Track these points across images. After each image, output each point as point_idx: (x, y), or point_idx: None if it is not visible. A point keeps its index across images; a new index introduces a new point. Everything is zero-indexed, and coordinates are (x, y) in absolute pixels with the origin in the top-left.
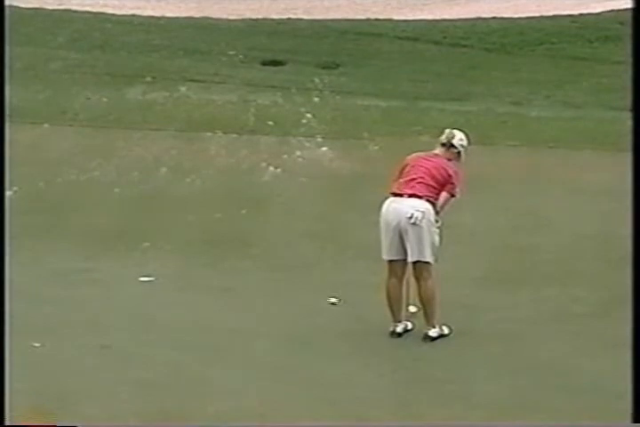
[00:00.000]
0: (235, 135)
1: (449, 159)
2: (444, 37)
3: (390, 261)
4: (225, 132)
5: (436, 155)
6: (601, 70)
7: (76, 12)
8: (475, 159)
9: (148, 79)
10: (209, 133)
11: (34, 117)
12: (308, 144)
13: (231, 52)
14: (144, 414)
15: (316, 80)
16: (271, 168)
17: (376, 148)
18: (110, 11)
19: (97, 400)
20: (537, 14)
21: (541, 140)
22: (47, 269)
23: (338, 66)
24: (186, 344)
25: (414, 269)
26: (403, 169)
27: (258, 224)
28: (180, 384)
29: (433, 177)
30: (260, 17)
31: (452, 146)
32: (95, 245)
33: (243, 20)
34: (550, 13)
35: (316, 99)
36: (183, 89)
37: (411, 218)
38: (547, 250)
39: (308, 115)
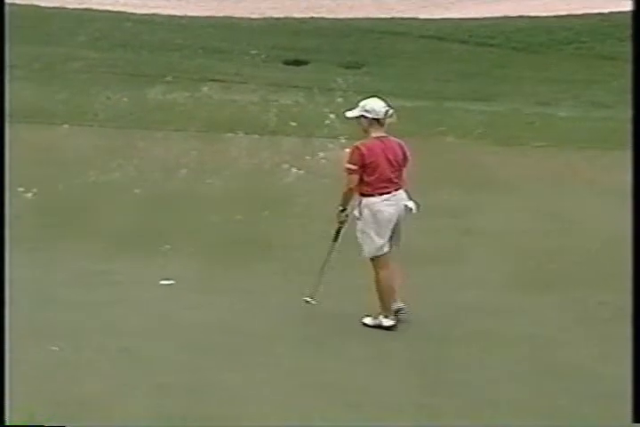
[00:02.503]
0: (256, 136)
1: (390, 135)
2: (470, 36)
3: (380, 256)
4: (246, 133)
5: (384, 137)
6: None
7: (96, 11)
8: (501, 160)
9: (169, 79)
10: (230, 134)
11: (53, 118)
12: (331, 145)
13: (253, 52)
14: (163, 418)
15: (339, 80)
16: (293, 169)
17: None
18: (131, 10)
19: (116, 405)
20: (566, 13)
21: (570, 140)
22: (66, 272)
23: (361, 65)
24: (206, 347)
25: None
26: (364, 161)
27: (279, 226)
28: (199, 388)
29: (397, 162)
30: (282, 16)
31: (384, 118)
32: (115, 247)
33: (265, 18)
34: (579, 12)
35: (339, 99)
36: (204, 89)
37: (408, 209)
38: (574, 253)
39: (331, 115)
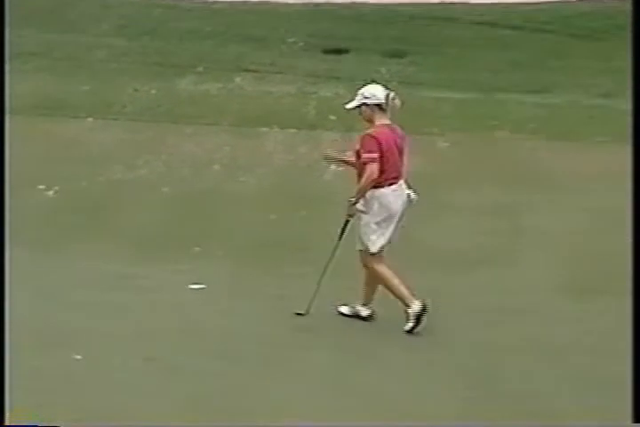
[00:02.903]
0: (293, 130)
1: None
2: (525, 22)
3: (378, 252)
4: (282, 127)
5: (390, 125)
6: None
7: None
8: (558, 157)
9: (200, 69)
10: (265, 128)
11: (77, 111)
12: None
13: (290, 40)
14: None
15: (382, 70)
16: (332, 166)
17: (447, 144)
18: None
19: (142, 416)
20: None
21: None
22: (88, 275)
23: (406, 54)
24: (237, 356)
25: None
26: (382, 150)
27: (317, 227)
28: (230, 398)
29: (401, 153)
30: (322, 1)
31: (387, 102)
32: (141, 248)
33: (304, 4)
34: None
35: None
36: (238, 80)
37: (410, 200)
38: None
39: None
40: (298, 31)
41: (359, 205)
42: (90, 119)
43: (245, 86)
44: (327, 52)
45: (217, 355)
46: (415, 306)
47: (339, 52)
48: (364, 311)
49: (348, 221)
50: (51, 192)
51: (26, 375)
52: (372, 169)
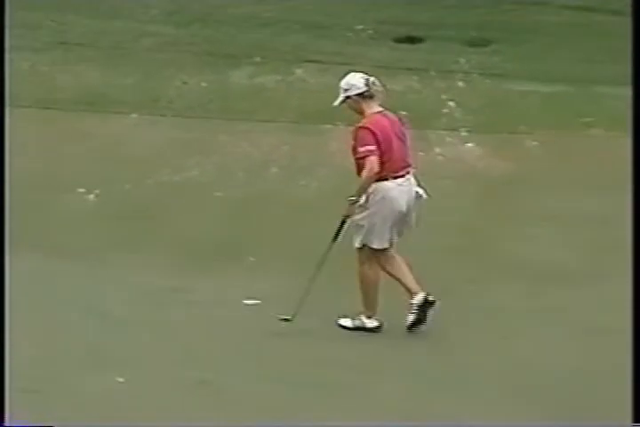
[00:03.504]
0: None
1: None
2: (627, 6)
3: (383, 249)
4: (348, 124)
5: (383, 111)
6: None
7: None
8: None
9: (257, 60)
10: (328, 125)
11: (120, 106)
12: (449, 139)
13: (358, 27)
14: None
15: (462, 60)
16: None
17: (535, 143)
18: None
19: None
20: None
21: None
22: (132, 288)
23: (489, 42)
24: (300, 380)
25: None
26: (378, 141)
27: None
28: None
29: (403, 142)
30: None
31: (374, 88)
32: (191, 259)
33: None
34: None
35: (461, 83)
36: (299, 71)
37: (418, 197)
38: None
39: (451, 103)
40: (366, 17)
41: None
42: (134, 115)
43: (307, 79)
44: (399, 40)
45: (275, 379)
46: (370, 322)
47: (412, 40)
48: (371, 323)
49: (344, 222)
50: (91, 196)
51: (64, 396)
52: (372, 162)
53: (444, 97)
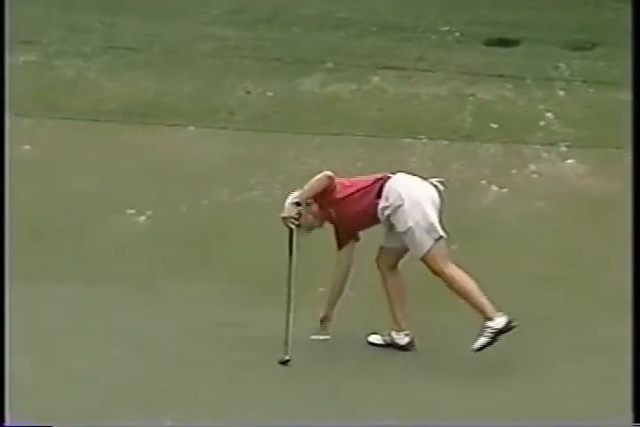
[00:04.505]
0: (444, 142)
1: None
2: None
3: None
4: (431, 138)
5: None
6: None
7: None
8: None
9: (330, 66)
10: (408, 139)
11: (175, 117)
12: (546, 155)
13: (443, 29)
14: None
15: (562, 65)
16: (494, 187)
17: None
18: None
19: None
20: None
21: None
22: (187, 322)
23: (594, 45)
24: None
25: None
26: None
27: (473, 263)
28: None
29: None
30: None
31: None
32: (254, 289)
33: None
34: None
35: (561, 92)
36: (376, 79)
37: (438, 187)
38: None
39: (549, 114)
40: (453, 17)
41: (384, 204)
42: (191, 128)
43: (385, 87)
44: (490, 43)
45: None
46: (401, 339)
47: (505, 43)
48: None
49: (292, 230)
50: (142, 218)
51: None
52: (322, 173)
53: (541, 107)
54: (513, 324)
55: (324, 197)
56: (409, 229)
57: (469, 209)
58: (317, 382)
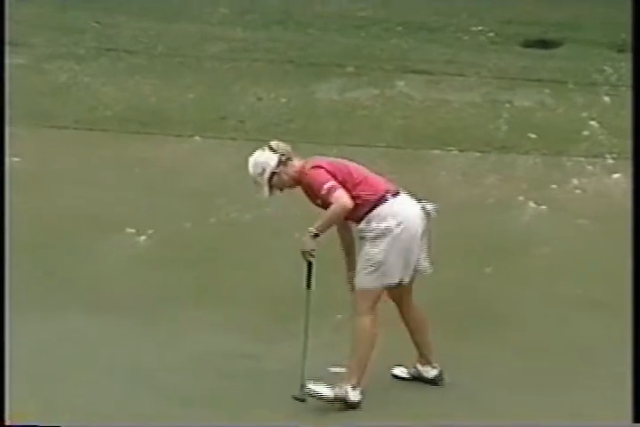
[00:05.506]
0: (477, 154)
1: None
2: None
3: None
4: (461, 150)
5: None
6: None
7: None
8: None
9: (350, 69)
10: (437, 151)
11: (180, 126)
12: (591, 168)
13: (476, 28)
14: None
15: (608, 69)
16: (531, 204)
17: None
18: None
19: None
20: None
21: None
22: (193, 353)
23: None
24: None
25: (410, 284)
26: (335, 174)
27: (510, 289)
28: None
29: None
30: None
31: (283, 148)
32: (265, 317)
33: None
34: None
35: (607, 98)
36: (401, 84)
37: (428, 213)
38: None
39: (593, 122)
40: (486, 16)
41: (364, 228)
42: (197, 138)
43: (411, 93)
44: (528, 44)
45: None
46: (354, 394)
47: (545, 44)
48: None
49: (310, 264)
50: (143, 238)
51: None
52: (340, 197)
53: (584, 115)
54: (356, 406)
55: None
56: (373, 258)
57: (505, 228)
58: (339, 422)
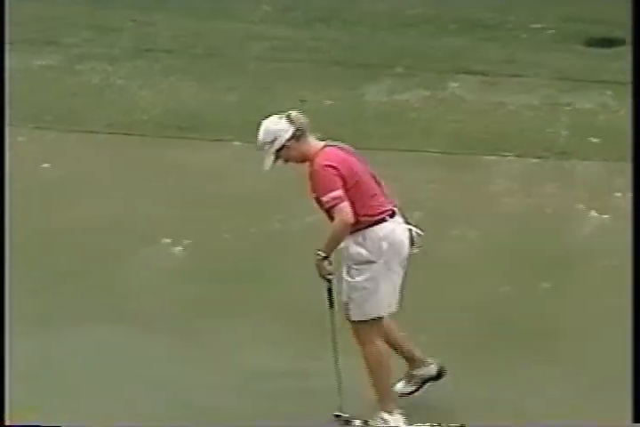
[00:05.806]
0: (534, 160)
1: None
2: None
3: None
4: (518, 155)
5: (331, 144)
6: None
7: None
8: None
9: (400, 70)
10: (493, 157)
11: (219, 131)
12: None
13: (535, 26)
14: None
15: None
16: (593, 213)
17: None
18: None
19: None
20: None
21: None
22: (231, 371)
23: None
24: None
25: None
26: (345, 180)
27: (568, 304)
28: None
29: (372, 175)
30: None
31: (301, 122)
32: (311, 333)
33: None
34: None
35: None
36: (454, 85)
37: (414, 238)
38: None
39: None
40: (547, 13)
41: (358, 250)
42: (237, 143)
43: (465, 95)
44: (591, 43)
45: None
46: (394, 419)
47: (610, 43)
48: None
49: (330, 284)
50: (179, 248)
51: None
52: (342, 211)
53: None
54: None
55: None
56: (360, 286)
57: (564, 239)
58: None
